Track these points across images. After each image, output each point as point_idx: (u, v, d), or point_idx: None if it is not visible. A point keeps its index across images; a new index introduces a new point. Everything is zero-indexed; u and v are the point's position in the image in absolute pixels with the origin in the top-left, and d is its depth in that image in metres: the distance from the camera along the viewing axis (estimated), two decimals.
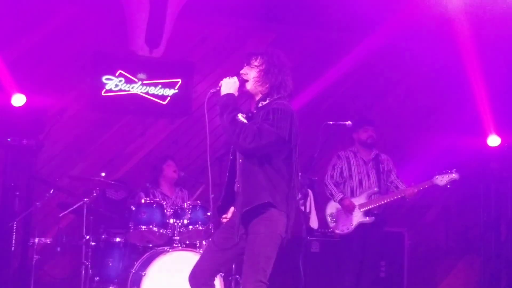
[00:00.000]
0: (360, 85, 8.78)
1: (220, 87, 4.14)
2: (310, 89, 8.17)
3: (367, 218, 6.66)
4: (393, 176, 6.90)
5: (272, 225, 3.96)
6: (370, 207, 6.67)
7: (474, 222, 8.61)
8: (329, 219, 6.87)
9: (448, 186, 6.58)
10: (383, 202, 6.68)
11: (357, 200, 6.72)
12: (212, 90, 4.18)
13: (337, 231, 6.79)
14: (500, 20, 7.56)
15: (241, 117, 4.01)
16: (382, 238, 6.79)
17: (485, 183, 8.44)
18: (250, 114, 4.15)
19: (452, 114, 8.78)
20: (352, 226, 6.67)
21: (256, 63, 4.18)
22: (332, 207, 6.86)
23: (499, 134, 8.20)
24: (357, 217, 6.67)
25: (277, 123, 3.94)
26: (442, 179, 6.55)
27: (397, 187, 6.82)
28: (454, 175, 6.53)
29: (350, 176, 6.85)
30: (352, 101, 8.69)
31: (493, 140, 8.21)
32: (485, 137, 8.26)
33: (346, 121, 6.32)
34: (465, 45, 7.97)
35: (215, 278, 4.20)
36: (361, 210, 6.67)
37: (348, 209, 6.68)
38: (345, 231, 6.71)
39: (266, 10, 8.19)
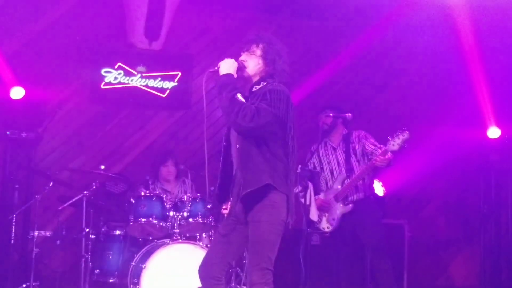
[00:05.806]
0: (360, 77, 8.76)
1: (218, 67, 4.06)
2: (310, 81, 8.15)
3: (347, 206, 6.34)
4: (369, 147, 6.38)
5: (274, 212, 3.94)
6: (345, 194, 6.33)
7: (474, 214, 8.59)
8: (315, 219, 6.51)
9: (405, 146, 5.99)
10: (356, 184, 6.32)
11: (331, 192, 6.43)
12: (211, 69, 4.09)
13: (326, 230, 6.48)
14: (501, 12, 7.54)
15: (240, 96, 3.98)
16: (373, 220, 6.41)
17: (485, 175, 8.40)
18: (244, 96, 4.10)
19: (452, 106, 8.75)
20: (335, 221, 6.37)
21: (257, 50, 4.13)
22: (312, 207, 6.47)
23: (499, 126, 8.16)
24: (339, 210, 6.37)
25: (274, 103, 3.93)
26: (394, 143, 5.99)
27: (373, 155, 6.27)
28: (405, 135, 5.98)
29: (322, 168, 6.56)
30: (352, 93, 8.67)
31: (493, 132, 8.18)
32: (485, 129, 8.22)
33: (346, 113, 6.30)
34: (466, 37, 7.93)
35: (224, 271, 4.10)
36: (339, 201, 6.37)
37: (323, 209, 6.43)
38: (331, 227, 6.42)
39: (266, 1, 8.17)
